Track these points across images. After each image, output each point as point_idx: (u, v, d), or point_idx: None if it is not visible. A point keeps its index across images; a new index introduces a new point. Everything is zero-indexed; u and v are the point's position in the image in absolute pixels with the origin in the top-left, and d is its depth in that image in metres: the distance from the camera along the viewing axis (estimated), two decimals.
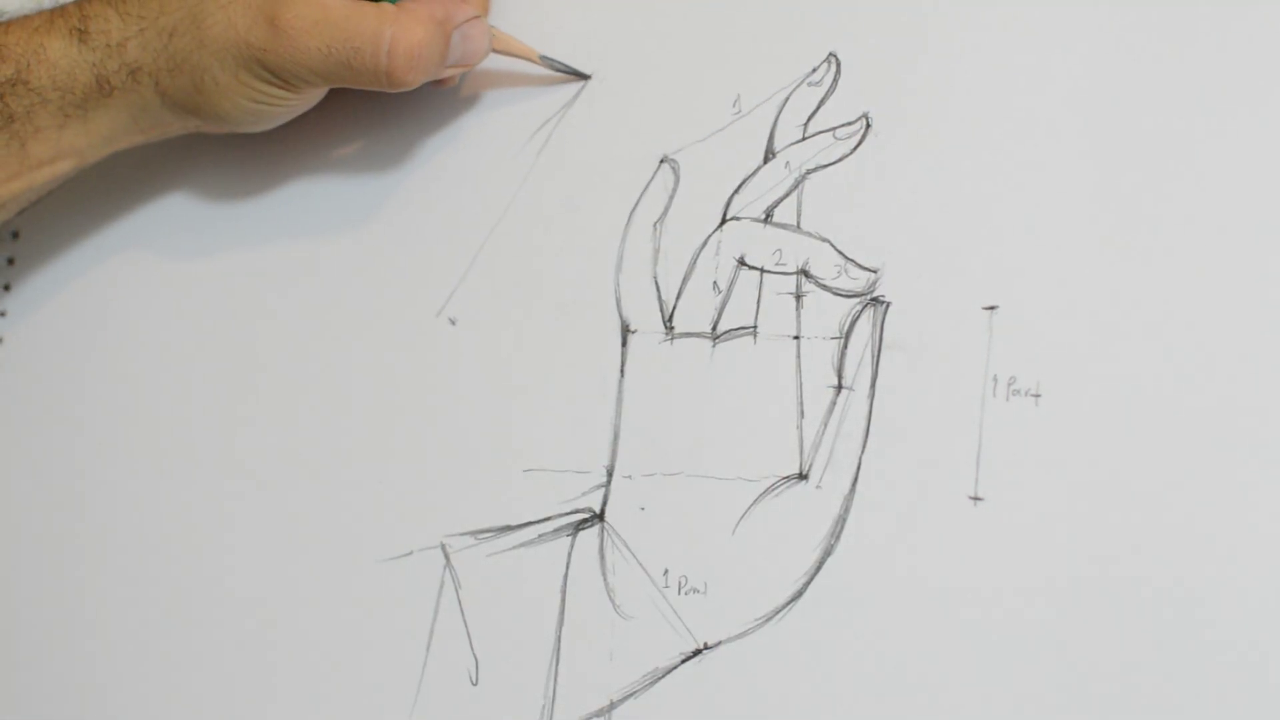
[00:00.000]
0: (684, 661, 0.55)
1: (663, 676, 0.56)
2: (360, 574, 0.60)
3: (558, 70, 0.62)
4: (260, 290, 0.65)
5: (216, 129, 0.62)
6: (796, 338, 0.57)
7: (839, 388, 0.56)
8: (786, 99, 0.59)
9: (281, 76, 0.59)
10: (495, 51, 0.62)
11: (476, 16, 0.60)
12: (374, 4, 0.59)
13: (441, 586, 0.59)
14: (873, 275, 0.56)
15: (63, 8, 0.61)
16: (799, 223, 0.58)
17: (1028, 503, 0.53)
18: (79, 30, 0.60)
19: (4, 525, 0.66)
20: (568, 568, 0.58)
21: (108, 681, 0.63)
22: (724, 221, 0.59)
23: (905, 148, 0.57)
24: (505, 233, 0.62)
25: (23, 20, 0.61)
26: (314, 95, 0.61)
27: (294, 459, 0.63)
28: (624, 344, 0.59)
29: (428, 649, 0.59)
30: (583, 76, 0.62)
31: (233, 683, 0.61)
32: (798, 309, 0.57)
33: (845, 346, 0.56)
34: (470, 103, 0.64)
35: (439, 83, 0.62)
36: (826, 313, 0.56)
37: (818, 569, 0.55)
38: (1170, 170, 0.54)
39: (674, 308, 0.59)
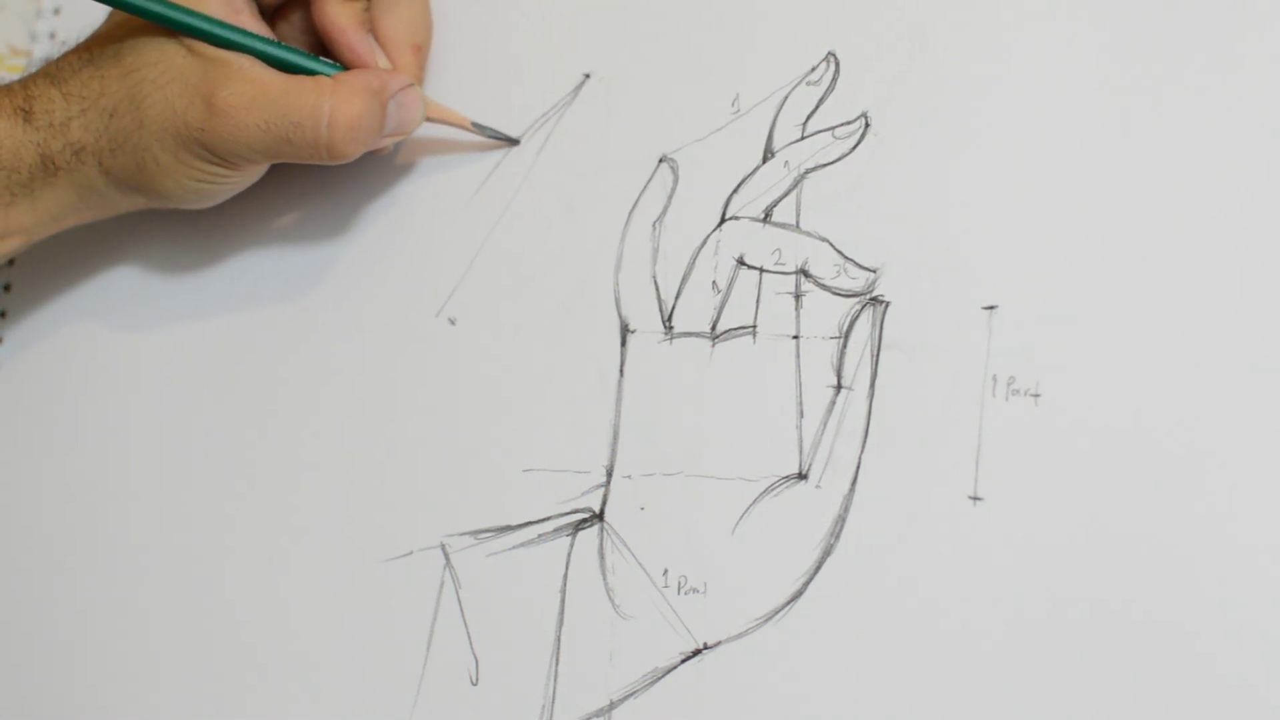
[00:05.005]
0: (684, 661, 0.55)
1: (662, 676, 0.56)
2: (360, 574, 0.60)
3: (488, 136, 0.63)
4: (260, 290, 0.65)
5: (163, 206, 0.62)
6: (796, 337, 0.57)
7: (838, 387, 0.56)
8: (785, 98, 0.59)
9: (220, 155, 0.58)
10: (429, 120, 0.62)
11: (410, 85, 0.61)
12: (310, 78, 0.59)
13: (441, 586, 0.59)
14: (872, 275, 0.56)
15: (7, 86, 0.60)
16: (798, 222, 0.58)
17: (1027, 503, 0.52)
18: (23, 110, 0.59)
19: (3, 525, 0.66)
20: (567, 568, 0.58)
21: (106, 682, 0.63)
22: (723, 221, 0.59)
23: (904, 147, 0.57)
24: (504, 233, 0.62)
25: None
26: (256, 171, 0.61)
27: (294, 459, 0.63)
28: (623, 344, 0.59)
29: (428, 649, 0.59)
30: (513, 142, 0.63)
31: (233, 683, 0.61)
32: (797, 308, 0.57)
33: (844, 346, 0.56)
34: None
35: (374, 151, 0.62)
36: (826, 312, 0.56)
37: (817, 569, 0.54)
38: (1170, 169, 0.54)
39: (673, 307, 0.59)
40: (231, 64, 0.58)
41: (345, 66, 0.61)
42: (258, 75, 0.58)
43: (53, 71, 0.60)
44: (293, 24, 0.63)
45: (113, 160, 0.59)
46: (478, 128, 0.63)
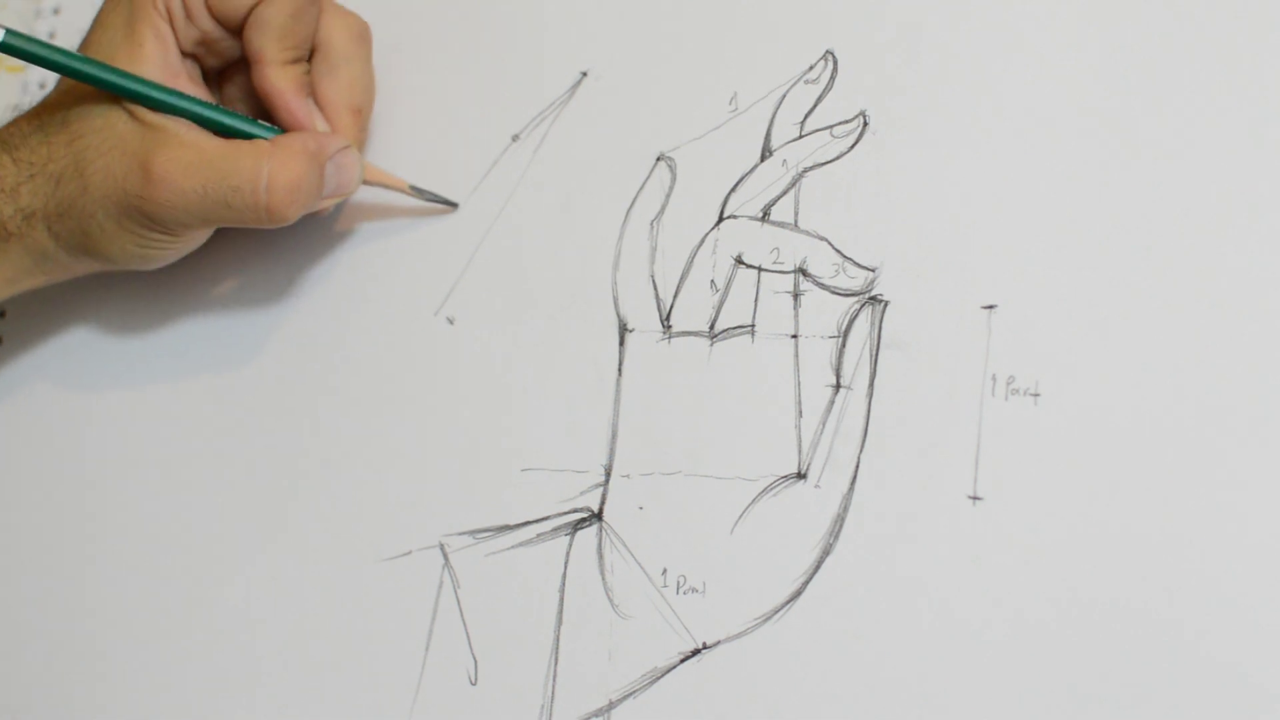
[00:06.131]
0: (683, 661, 0.55)
1: (661, 676, 0.56)
2: (359, 574, 0.60)
3: (428, 200, 0.63)
4: (260, 289, 0.65)
5: (114, 269, 0.62)
6: (794, 336, 0.56)
7: (837, 386, 0.56)
8: (783, 97, 0.59)
9: (159, 222, 0.58)
10: (367, 183, 0.62)
11: (347, 147, 0.61)
12: (248, 141, 0.59)
13: (440, 586, 0.59)
14: (870, 274, 0.56)
15: None
16: (796, 221, 0.57)
17: (1026, 502, 0.52)
18: None
19: (3, 526, 0.66)
20: (566, 567, 0.58)
21: (106, 682, 0.63)
22: (721, 220, 0.59)
23: (903, 145, 0.57)
24: (502, 232, 0.62)
25: None
26: (200, 236, 0.61)
27: (292, 459, 0.63)
28: (622, 343, 0.59)
29: (427, 649, 0.59)
30: (451, 205, 0.63)
31: (232, 682, 0.61)
32: (795, 307, 0.57)
33: (843, 345, 0.56)
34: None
35: (314, 213, 0.62)
36: (824, 311, 0.56)
37: (816, 568, 0.54)
38: (1169, 169, 0.53)
39: (671, 306, 0.58)
40: (169, 130, 0.58)
41: (284, 129, 0.61)
42: (194, 140, 0.58)
43: (4, 137, 0.60)
44: (237, 86, 0.63)
45: (60, 225, 0.59)
46: (416, 191, 0.63)
